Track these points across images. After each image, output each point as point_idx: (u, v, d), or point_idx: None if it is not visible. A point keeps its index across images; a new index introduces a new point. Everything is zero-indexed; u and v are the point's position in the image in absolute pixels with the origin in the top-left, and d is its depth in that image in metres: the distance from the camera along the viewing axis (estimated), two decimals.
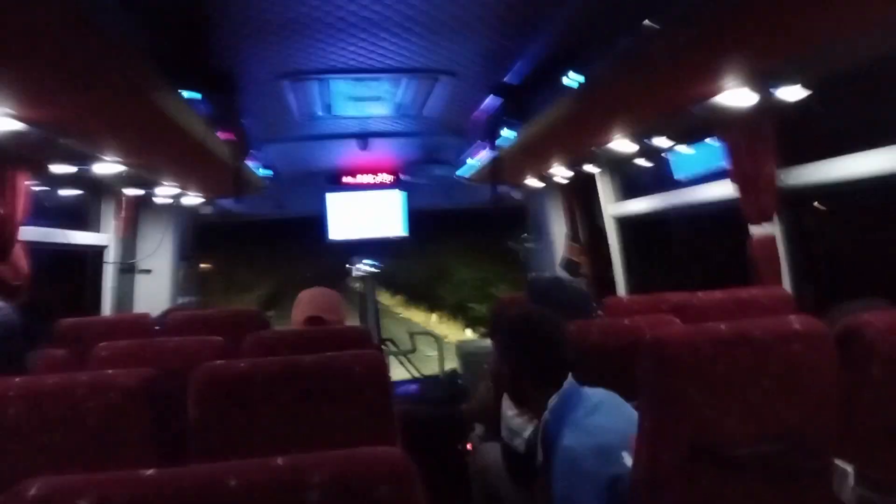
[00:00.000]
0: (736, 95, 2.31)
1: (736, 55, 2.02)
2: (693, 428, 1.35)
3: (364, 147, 4.66)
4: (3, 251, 2.71)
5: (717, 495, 1.37)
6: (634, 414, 1.65)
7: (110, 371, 1.48)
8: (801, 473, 1.42)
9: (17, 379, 1.48)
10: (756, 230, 2.86)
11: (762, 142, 2.73)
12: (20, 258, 2.81)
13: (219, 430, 1.46)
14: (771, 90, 2.23)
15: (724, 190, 3.17)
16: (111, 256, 4.26)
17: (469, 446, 3.64)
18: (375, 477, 0.68)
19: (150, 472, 0.67)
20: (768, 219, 2.80)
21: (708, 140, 3.34)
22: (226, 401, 1.48)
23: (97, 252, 4.17)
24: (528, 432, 2.07)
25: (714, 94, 2.34)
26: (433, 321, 16.66)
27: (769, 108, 2.49)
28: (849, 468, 1.48)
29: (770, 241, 2.81)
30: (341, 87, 3.36)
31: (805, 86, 2.21)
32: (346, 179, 5.80)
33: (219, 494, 0.65)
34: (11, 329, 1.73)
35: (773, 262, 2.80)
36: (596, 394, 1.75)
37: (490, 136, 3.22)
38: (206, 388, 1.48)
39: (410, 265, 16.13)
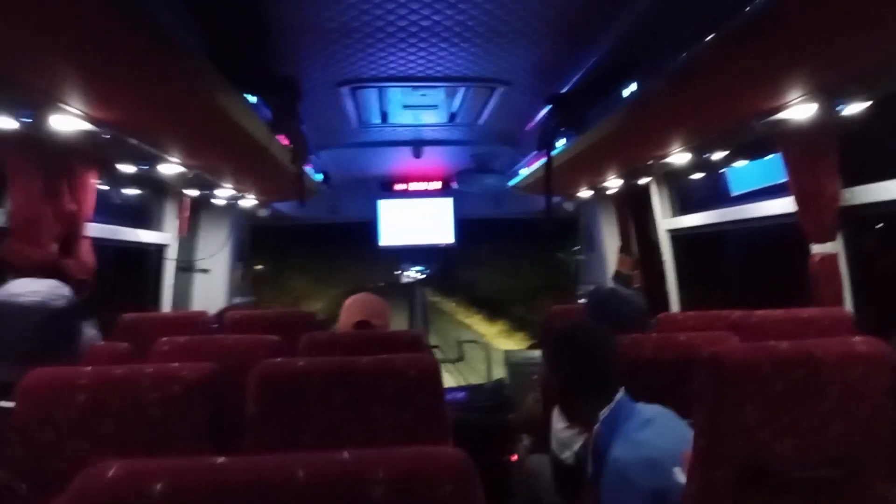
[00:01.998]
0: (799, 111, 2.26)
1: (800, 69, 1.98)
2: (748, 447, 1.32)
3: (417, 155, 4.71)
4: (71, 246, 2.82)
5: None
6: (688, 431, 1.62)
7: (175, 364, 1.53)
8: (854, 499, 1.38)
9: (87, 368, 1.55)
10: (817, 248, 2.78)
11: (825, 158, 2.66)
12: (87, 253, 2.92)
13: (275, 425, 1.50)
14: (837, 106, 2.18)
15: (783, 206, 3.10)
16: (171, 255, 4.40)
17: (514, 457, 3.63)
18: (439, 476, 0.69)
19: (221, 459, 0.70)
20: (830, 237, 2.72)
21: (769, 157, 3.27)
22: (283, 397, 1.52)
23: (158, 250, 4.32)
24: (577, 445, 2.06)
25: (777, 108, 2.29)
26: (489, 330, 16.58)
27: (833, 124, 2.43)
28: None
29: (832, 261, 2.73)
30: (398, 95, 3.41)
31: (871, 101, 2.15)
32: (398, 186, 5.90)
33: (287, 485, 0.67)
34: (70, 314, 1.79)
35: (833, 282, 2.71)
36: (649, 409, 1.73)
37: (543, 145, 3.21)
38: (265, 384, 1.52)
39: (461, 273, 16.20)
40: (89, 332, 1.91)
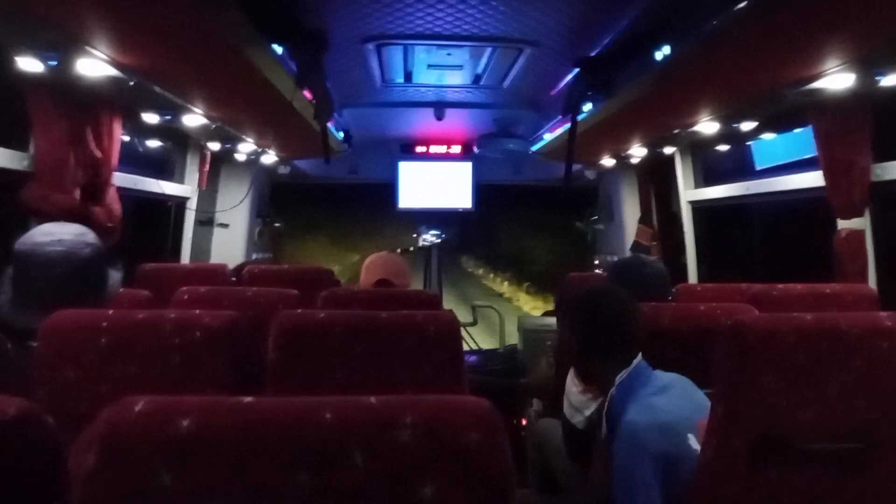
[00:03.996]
0: (835, 80, 2.20)
1: (839, 37, 1.92)
2: (767, 417, 1.32)
3: (440, 117, 4.66)
4: (99, 193, 2.85)
5: (784, 487, 1.34)
6: (704, 400, 1.63)
7: (197, 311, 1.55)
8: (873, 473, 1.37)
9: (109, 312, 1.57)
10: (843, 224, 2.74)
11: (858, 132, 2.60)
12: (114, 201, 2.94)
13: (295, 374, 1.52)
14: (876, 76, 2.11)
15: (810, 180, 3.04)
16: (192, 208, 4.43)
17: (524, 421, 3.66)
18: (466, 423, 0.69)
19: (248, 399, 0.71)
20: (859, 213, 2.67)
21: (797, 130, 3.20)
22: (304, 347, 1.54)
23: (179, 203, 4.34)
24: (590, 410, 2.07)
25: (812, 77, 2.23)
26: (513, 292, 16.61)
27: (869, 96, 2.36)
28: None
29: (858, 237, 2.69)
30: (423, 54, 3.36)
31: None
32: (419, 149, 5.85)
33: (314, 425, 0.67)
34: (96, 262, 1.80)
35: (859, 259, 2.67)
36: (666, 376, 1.73)
37: (569, 110, 3.16)
38: (287, 333, 1.54)
39: (478, 237, 16.15)
40: (115, 276, 1.92)
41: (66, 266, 1.70)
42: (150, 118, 2.98)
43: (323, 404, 0.69)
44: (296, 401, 0.71)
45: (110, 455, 0.67)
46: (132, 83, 2.35)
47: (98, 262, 1.80)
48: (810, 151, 2.91)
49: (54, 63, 2.10)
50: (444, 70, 3.68)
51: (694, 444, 1.50)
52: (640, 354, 1.74)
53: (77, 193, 2.69)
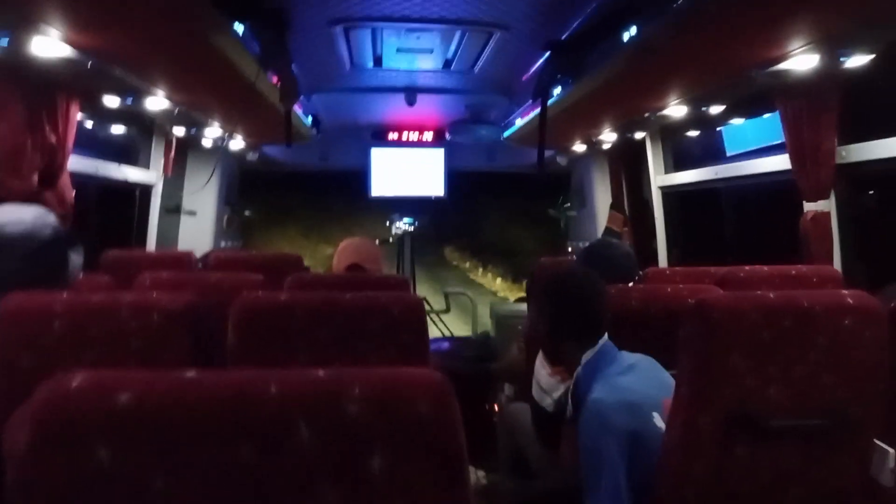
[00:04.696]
0: (800, 61, 2.22)
1: (804, 17, 1.93)
2: (733, 395, 1.32)
3: (411, 102, 4.62)
4: (52, 178, 2.75)
5: (750, 464, 1.35)
6: (669, 380, 1.63)
7: (154, 294, 1.51)
8: (840, 450, 1.39)
9: (63, 295, 1.52)
10: (809, 206, 2.77)
11: (824, 114, 2.62)
12: (66, 187, 2.85)
13: (256, 358, 1.49)
14: (840, 57, 2.13)
15: (777, 164, 3.07)
16: (157, 195, 4.34)
17: (496, 407, 3.67)
18: (416, 394, 0.67)
19: (191, 373, 0.67)
20: (825, 195, 2.71)
21: (766, 116, 3.23)
22: (265, 331, 1.50)
23: (144, 190, 4.25)
24: (558, 392, 2.07)
25: (778, 58, 2.25)
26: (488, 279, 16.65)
27: (834, 78, 2.38)
28: (890, 450, 1.44)
29: (823, 219, 2.72)
30: (392, 38, 3.32)
31: (874, 53, 2.10)
32: (392, 135, 5.79)
33: (259, 399, 0.65)
34: (58, 244, 1.75)
35: (825, 241, 2.71)
36: (632, 356, 1.74)
37: (539, 93, 3.15)
38: (247, 316, 1.50)
39: (451, 225, 16.12)
40: (76, 259, 1.87)
41: (27, 249, 1.65)
42: (111, 101, 2.90)
43: (268, 377, 0.67)
44: (240, 374, 0.68)
45: (45, 432, 0.63)
46: (90, 64, 2.28)
47: (59, 244, 1.75)
48: (778, 138, 2.93)
49: (5, 43, 2.02)
50: (414, 54, 3.64)
51: (659, 422, 1.51)
52: (606, 335, 1.75)
53: (35, 179, 2.61)
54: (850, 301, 1.36)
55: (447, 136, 5.59)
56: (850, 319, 1.34)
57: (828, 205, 2.73)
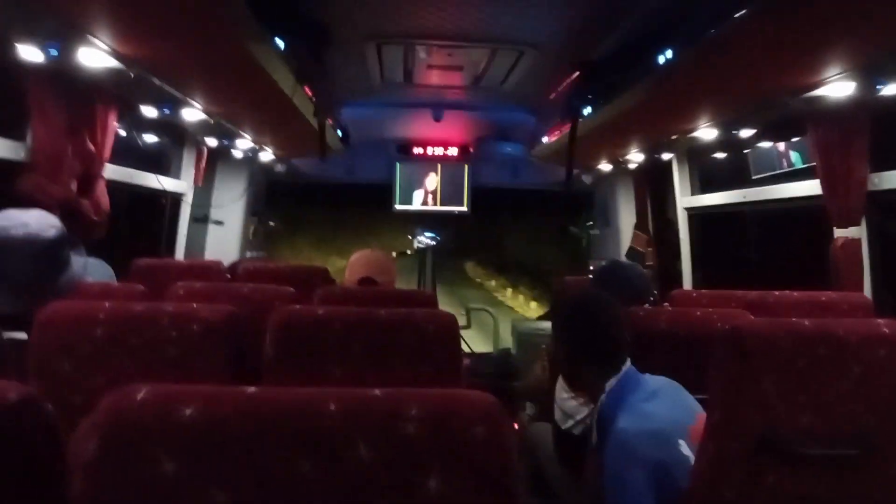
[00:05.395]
0: (836, 88, 2.21)
1: (840, 45, 1.93)
2: (764, 422, 1.31)
3: (438, 118, 4.66)
4: (89, 186, 2.82)
5: (781, 492, 1.34)
6: (694, 404, 1.62)
7: (194, 304, 1.54)
8: (870, 480, 1.37)
9: (105, 304, 1.56)
10: (840, 232, 2.75)
11: (857, 141, 2.61)
12: (102, 195, 2.91)
13: (292, 371, 1.51)
14: (876, 85, 2.12)
15: (807, 188, 3.05)
16: (187, 204, 4.41)
17: (516, 425, 3.66)
18: (472, 417, 0.68)
19: (252, 389, 0.70)
20: (855, 222, 2.68)
21: (794, 139, 3.22)
22: (301, 344, 1.52)
23: (174, 199, 4.32)
24: (581, 415, 2.07)
25: (813, 85, 2.25)
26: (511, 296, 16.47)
27: (868, 105, 2.37)
28: None
29: (854, 245, 2.70)
30: (423, 53, 3.35)
31: None
32: (417, 150, 5.81)
33: (318, 416, 0.67)
34: (61, 245, 1.79)
35: (855, 268, 2.68)
36: (655, 380, 1.72)
37: (569, 113, 3.17)
38: (284, 329, 1.52)
39: (474, 241, 16.06)
40: (96, 264, 1.92)
41: (33, 250, 1.70)
42: (149, 112, 2.96)
43: (327, 395, 0.69)
44: (300, 391, 0.70)
45: (112, 442, 0.66)
46: (133, 75, 2.34)
47: (62, 246, 1.81)
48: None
49: (55, 52, 2.09)
50: (445, 71, 3.67)
51: (685, 449, 1.49)
52: (628, 360, 1.74)
53: (74, 185, 2.68)
54: (885, 330, 1.35)
55: (472, 151, 5.61)
56: (885, 350, 1.33)
57: (858, 231, 2.71)
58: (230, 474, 0.65)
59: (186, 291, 2.25)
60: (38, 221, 1.75)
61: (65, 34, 2.00)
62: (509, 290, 16.41)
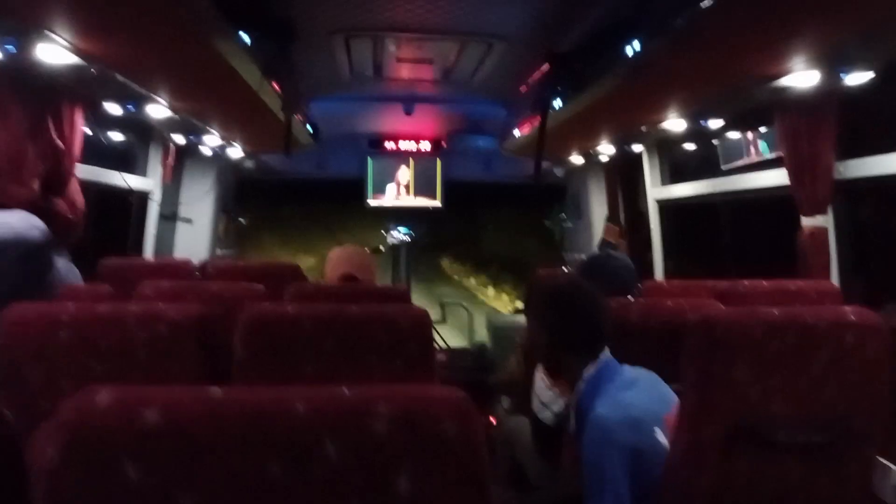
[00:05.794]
0: (801, 77, 2.24)
1: (804, 34, 1.95)
2: (737, 409, 1.33)
3: (410, 112, 4.64)
4: (61, 185, 2.75)
5: (755, 477, 1.36)
6: (670, 394, 1.64)
7: (161, 304, 1.51)
8: (842, 464, 1.40)
9: (70, 305, 1.52)
10: (807, 221, 2.79)
11: (823, 129, 2.65)
12: (77, 193, 2.85)
13: (263, 370, 1.48)
14: (840, 74, 2.15)
15: (775, 178, 3.09)
16: (155, 202, 4.33)
17: (493, 419, 3.67)
18: (441, 413, 0.67)
19: (216, 389, 0.68)
20: (822, 210, 2.73)
21: (762, 129, 3.26)
22: (272, 342, 1.50)
23: (141, 197, 4.23)
24: (558, 406, 2.07)
25: (778, 74, 2.28)
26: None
27: (834, 94, 2.40)
28: (892, 467, 1.46)
29: (821, 234, 2.74)
30: (392, 47, 3.33)
31: (874, 70, 2.13)
32: (389, 145, 5.78)
33: (285, 416, 0.65)
34: (46, 247, 1.76)
35: (822, 256, 2.73)
36: (633, 370, 1.73)
37: (539, 105, 3.17)
38: (255, 327, 1.50)
39: (448, 235, 16.01)
40: (63, 264, 1.88)
41: (17, 252, 1.66)
42: (113, 109, 2.90)
43: (295, 395, 0.67)
44: (267, 391, 0.68)
45: (73, 447, 0.63)
46: (94, 71, 2.28)
47: (47, 248, 1.78)
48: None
49: (12, 49, 2.02)
50: (413, 64, 3.66)
51: (661, 437, 1.51)
52: (607, 349, 1.75)
53: (36, 185, 2.60)
54: (852, 317, 1.38)
55: (444, 145, 5.59)
56: (852, 335, 1.36)
57: (825, 220, 2.75)
58: (196, 479, 0.63)
59: (154, 291, 2.20)
60: (22, 222, 1.72)
61: (22, 31, 1.94)
62: (490, 289, 16.32)
